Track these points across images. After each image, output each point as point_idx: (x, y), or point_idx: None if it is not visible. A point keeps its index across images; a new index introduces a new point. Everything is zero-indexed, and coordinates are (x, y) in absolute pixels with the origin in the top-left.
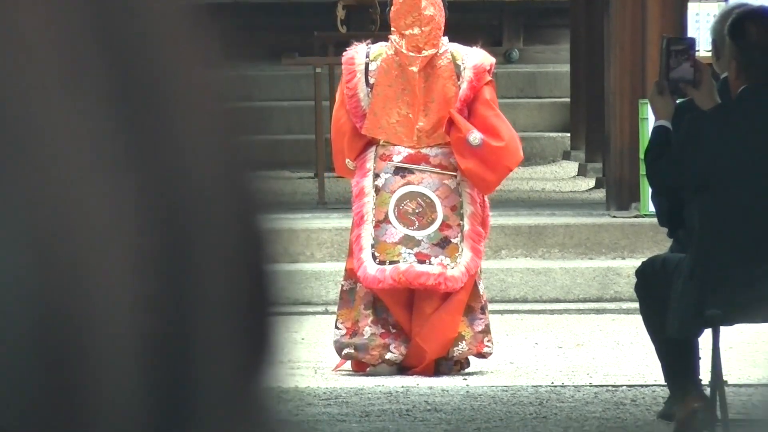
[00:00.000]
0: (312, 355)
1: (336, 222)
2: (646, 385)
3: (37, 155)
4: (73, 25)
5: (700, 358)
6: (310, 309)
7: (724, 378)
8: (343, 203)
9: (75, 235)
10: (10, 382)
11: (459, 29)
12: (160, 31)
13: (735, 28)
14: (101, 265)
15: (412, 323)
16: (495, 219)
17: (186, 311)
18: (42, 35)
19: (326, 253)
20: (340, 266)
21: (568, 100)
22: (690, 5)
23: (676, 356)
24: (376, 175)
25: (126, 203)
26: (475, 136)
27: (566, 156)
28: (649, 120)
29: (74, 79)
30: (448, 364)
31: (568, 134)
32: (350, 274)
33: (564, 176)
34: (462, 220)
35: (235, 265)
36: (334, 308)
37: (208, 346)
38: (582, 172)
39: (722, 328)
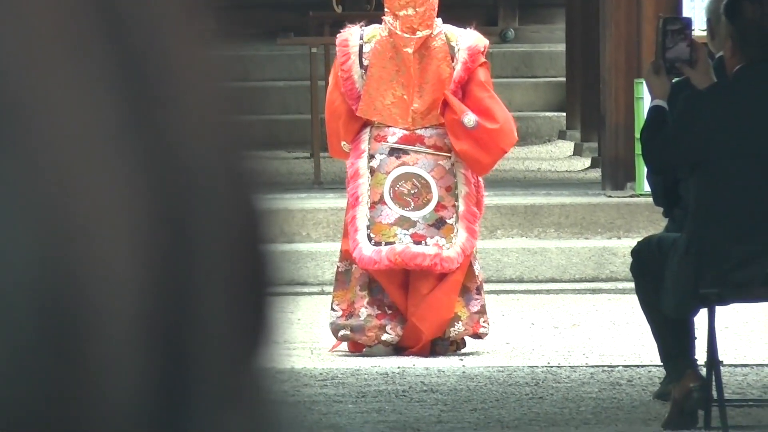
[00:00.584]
0: (308, 336)
1: (332, 202)
2: (642, 366)
3: (38, 132)
4: (73, 11)
5: (695, 338)
6: (306, 289)
7: (720, 358)
8: (338, 183)
9: (76, 211)
10: (13, 374)
11: (454, 9)
12: (155, 12)
13: (731, 7)
14: (103, 248)
15: (407, 304)
16: (490, 199)
17: (186, 293)
18: (43, 24)
19: (322, 233)
20: (336, 246)
21: (563, 79)
22: None
23: (672, 336)
24: (371, 156)
25: (125, 184)
26: (470, 118)
27: (562, 135)
28: (645, 99)
29: (73, 58)
30: (444, 345)
31: (564, 114)
32: (345, 255)
33: (560, 156)
34: (457, 200)
35: (233, 246)
36: (330, 288)
37: (208, 328)
38: (578, 151)
39: (718, 308)
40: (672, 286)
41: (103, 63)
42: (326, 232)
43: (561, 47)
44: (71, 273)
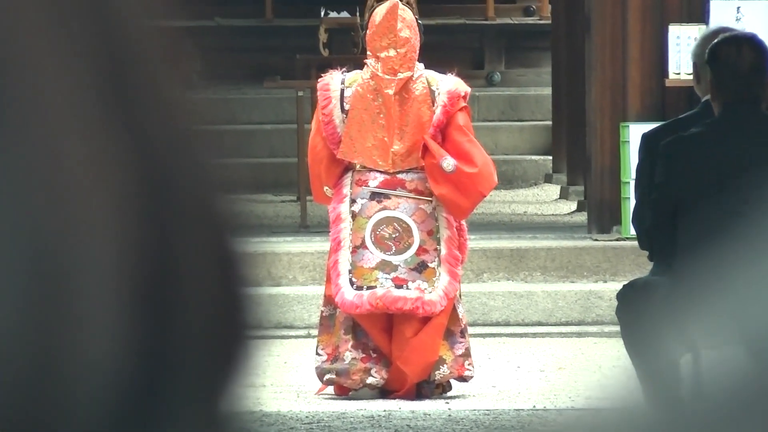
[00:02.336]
0: (294, 379)
1: (318, 245)
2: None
3: (36, 154)
4: (68, 33)
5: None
6: (293, 332)
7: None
8: (325, 226)
9: (65, 211)
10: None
11: (440, 51)
12: (142, 53)
13: (711, 50)
14: (90, 252)
15: (392, 347)
16: (476, 242)
17: (164, 336)
18: (40, 44)
19: (308, 276)
20: (323, 290)
21: (549, 122)
22: (671, 28)
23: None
24: (353, 201)
25: (107, 223)
26: (449, 162)
27: (548, 179)
28: (630, 143)
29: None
30: (430, 387)
31: (550, 157)
32: (329, 300)
33: (546, 199)
34: (439, 244)
35: (209, 286)
36: (316, 332)
37: (183, 368)
38: (564, 195)
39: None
40: (655, 328)
41: (93, 87)
42: (312, 276)
43: (547, 90)
44: (58, 273)
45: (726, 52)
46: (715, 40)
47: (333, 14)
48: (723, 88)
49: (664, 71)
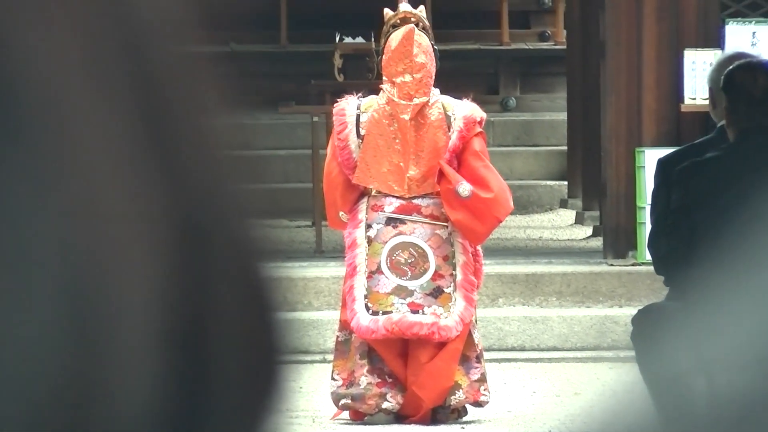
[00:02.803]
0: (310, 404)
1: (334, 270)
2: None
3: (64, 139)
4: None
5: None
6: (308, 358)
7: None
8: (340, 251)
9: (103, 275)
10: (33, 379)
11: (455, 77)
12: (163, 78)
13: (726, 76)
14: (126, 267)
15: (407, 372)
16: (492, 267)
17: (200, 373)
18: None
19: (324, 301)
20: (338, 315)
21: (564, 148)
22: (686, 53)
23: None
24: (368, 226)
25: (146, 226)
26: (465, 188)
27: (563, 204)
28: (646, 168)
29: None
30: (446, 412)
31: (565, 182)
32: (344, 325)
33: (561, 224)
34: (454, 269)
35: (243, 312)
36: (332, 357)
37: (219, 390)
38: (579, 220)
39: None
40: (671, 352)
41: (125, 111)
42: (328, 301)
43: (562, 116)
44: (93, 282)
45: (741, 78)
46: (730, 67)
47: (348, 40)
48: (738, 115)
49: (679, 96)
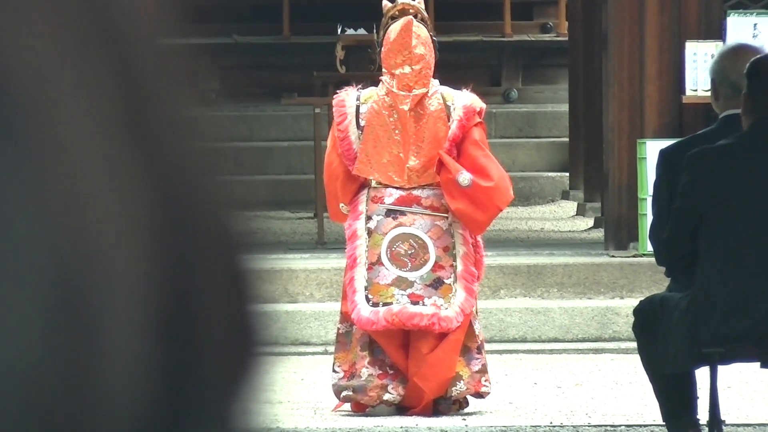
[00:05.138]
0: (311, 396)
1: (335, 262)
2: (645, 425)
3: (49, 135)
4: (85, 60)
5: (698, 397)
6: (310, 349)
7: (722, 417)
8: (342, 243)
9: (86, 219)
10: (22, 372)
11: (458, 69)
12: (157, 74)
13: (750, 66)
14: (113, 257)
15: (408, 363)
16: (493, 259)
17: (183, 359)
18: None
19: (325, 293)
20: (339, 306)
21: (566, 139)
22: (688, 45)
23: (674, 395)
24: (369, 218)
25: (130, 208)
26: (465, 177)
27: (565, 195)
28: (648, 159)
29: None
30: (447, 404)
31: (567, 174)
32: (345, 317)
33: (563, 216)
34: (455, 260)
35: (225, 304)
36: (334, 349)
37: (200, 390)
38: (581, 211)
39: (720, 367)
40: (672, 342)
41: (107, 101)
42: (329, 292)
43: (564, 107)
44: (82, 277)
45: (765, 68)
46: (756, 57)
47: (350, 32)
48: (757, 104)
49: (681, 88)
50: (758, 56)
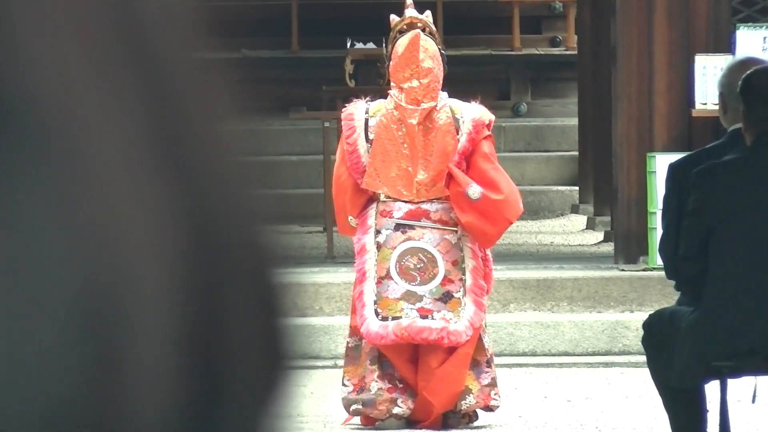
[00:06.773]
0: (321, 409)
1: (345, 276)
2: None
3: (80, 150)
4: (113, 78)
5: (707, 411)
6: (320, 363)
7: (732, 431)
8: (351, 257)
9: (117, 234)
10: (52, 381)
11: (466, 82)
12: (176, 85)
13: (744, 80)
14: (144, 272)
15: (418, 377)
16: (503, 272)
17: (212, 377)
18: (85, 70)
19: (335, 307)
20: (349, 320)
21: (576, 153)
22: (697, 58)
23: (684, 409)
24: (378, 232)
25: (161, 229)
26: (474, 190)
27: (574, 209)
28: (657, 173)
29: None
30: (457, 417)
31: (577, 188)
32: (355, 331)
33: (572, 230)
34: (464, 274)
35: (254, 318)
36: (343, 362)
37: (230, 393)
38: (590, 225)
39: (730, 381)
40: (680, 355)
41: (138, 118)
42: (339, 306)
43: (573, 121)
44: (110, 295)
45: (758, 82)
46: (749, 71)
47: (359, 45)
48: (755, 118)
49: (690, 102)
50: (748, 72)
